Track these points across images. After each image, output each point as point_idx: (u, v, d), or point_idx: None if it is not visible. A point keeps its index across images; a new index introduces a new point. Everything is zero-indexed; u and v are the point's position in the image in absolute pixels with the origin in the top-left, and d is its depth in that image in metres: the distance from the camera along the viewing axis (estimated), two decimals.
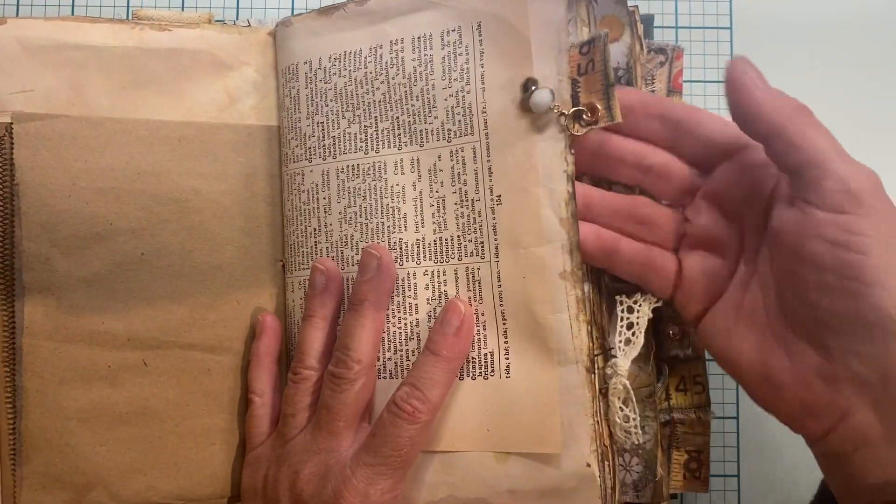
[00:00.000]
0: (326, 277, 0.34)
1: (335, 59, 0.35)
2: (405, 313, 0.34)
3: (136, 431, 0.35)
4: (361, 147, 0.35)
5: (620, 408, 0.30)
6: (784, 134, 0.27)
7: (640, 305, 0.32)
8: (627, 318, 0.32)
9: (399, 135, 0.34)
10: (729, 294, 0.30)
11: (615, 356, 0.31)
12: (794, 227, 0.27)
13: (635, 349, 0.31)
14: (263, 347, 0.36)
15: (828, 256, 0.25)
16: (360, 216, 0.35)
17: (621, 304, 0.32)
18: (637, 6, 0.38)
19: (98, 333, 0.35)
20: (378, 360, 0.34)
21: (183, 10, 0.44)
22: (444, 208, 0.33)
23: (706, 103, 0.43)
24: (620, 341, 0.31)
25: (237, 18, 0.44)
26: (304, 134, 0.36)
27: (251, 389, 0.36)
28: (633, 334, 0.31)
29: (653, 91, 0.36)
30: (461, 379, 0.32)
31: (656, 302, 0.32)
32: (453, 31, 0.33)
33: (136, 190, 0.36)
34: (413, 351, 0.33)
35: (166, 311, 0.36)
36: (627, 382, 0.30)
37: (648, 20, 0.42)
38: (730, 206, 0.31)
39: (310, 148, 0.36)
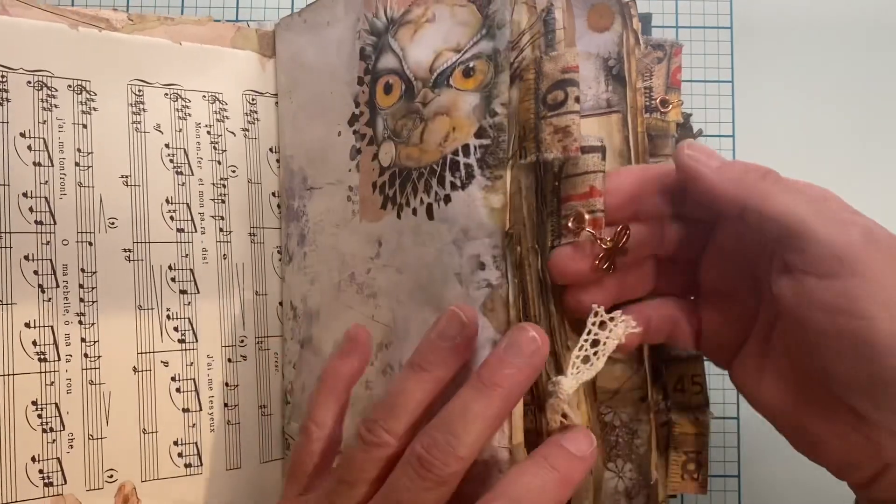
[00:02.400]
0: (462, 330, 0.27)
1: None
2: None
3: None
4: None
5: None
6: (752, 208, 0.26)
7: (615, 325, 0.27)
8: (596, 335, 0.27)
9: None
10: (750, 345, 0.29)
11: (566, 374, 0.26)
12: (793, 296, 0.25)
13: (591, 372, 0.26)
14: (346, 370, 0.31)
15: (831, 325, 0.24)
16: None
17: (595, 314, 0.27)
18: (634, 1, 0.38)
19: None
20: None
21: (182, 12, 0.44)
22: None
23: (706, 103, 0.43)
24: (578, 357, 0.26)
25: (236, 19, 0.44)
26: None
27: (312, 417, 0.30)
28: (596, 354, 0.26)
29: (649, 88, 0.35)
30: None
31: (634, 328, 0.28)
32: None
33: None
34: None
35: None
36: (568, 410, 0.26)
37: (646, 19, 0.42)
38: (738, 260, 0.29)
39: None
